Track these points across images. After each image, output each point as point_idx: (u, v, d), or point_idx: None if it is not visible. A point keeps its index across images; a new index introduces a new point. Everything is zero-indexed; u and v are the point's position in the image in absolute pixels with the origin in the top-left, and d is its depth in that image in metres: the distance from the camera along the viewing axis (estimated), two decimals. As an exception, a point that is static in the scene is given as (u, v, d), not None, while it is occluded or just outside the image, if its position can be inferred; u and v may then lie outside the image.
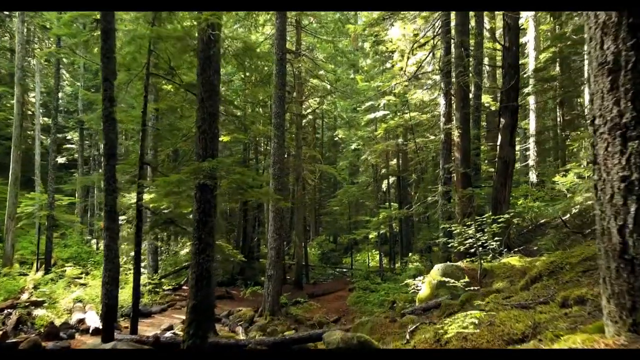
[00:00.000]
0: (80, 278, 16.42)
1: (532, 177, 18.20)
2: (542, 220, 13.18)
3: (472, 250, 8.22)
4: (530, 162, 18.50)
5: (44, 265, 17.12)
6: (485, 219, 7.72)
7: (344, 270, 24.71)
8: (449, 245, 9.55)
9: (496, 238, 7.93)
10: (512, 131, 10.79)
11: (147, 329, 11.56)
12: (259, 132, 17.85)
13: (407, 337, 3.77)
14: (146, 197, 8.31)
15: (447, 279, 4.28)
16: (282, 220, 14.73)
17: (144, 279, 16.36)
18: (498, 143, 11.08)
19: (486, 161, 17.69)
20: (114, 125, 7.49)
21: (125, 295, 13.53)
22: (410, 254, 21.60)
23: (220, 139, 11.06)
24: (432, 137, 19.28)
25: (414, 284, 9.41)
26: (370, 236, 22.36)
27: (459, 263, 8.39)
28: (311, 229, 33.89)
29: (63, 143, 31.53)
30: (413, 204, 16.91)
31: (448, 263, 8.53)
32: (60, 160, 29.53)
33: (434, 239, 14.75)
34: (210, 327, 10.38)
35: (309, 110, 23.76)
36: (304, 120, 23.71)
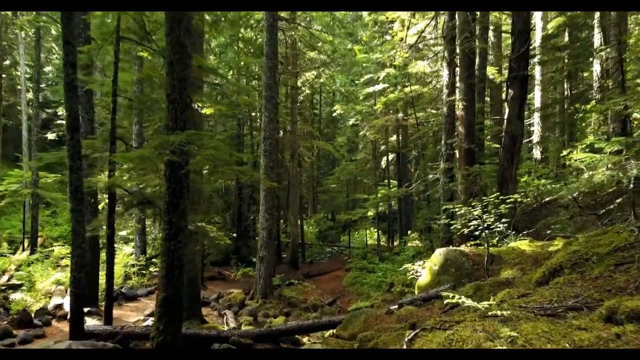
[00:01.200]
0: (67, 258, 15.77)
1: (536, 153, 17.37)
2: (548, 199, 12.45)
3: (477, 233, 7.51)
4: (535, 137, 17.61)
5: (30, 245, 16.52)
6: (492, 199, 6.97)
7: (342, 248, 24.20)
8: (451, 227, 8.85)
9: (503, 220, 7.21)
10: (522, 103, 9.84)
11: (131, 314, 10.99)
12: (248, 104, 16.84)
13: (405, 347, 3.09)
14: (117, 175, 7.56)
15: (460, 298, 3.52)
16: (274, 199, 14.01)
17: (131, 259, 15.76)
18: (505, 116, 10.18)
19: (489, 137, 16.83)
20: (77, 94, 6.66)
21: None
22: (409, 233, 21.00)
23: (203, 111, 10.24)
24: (434, 111, 18.38)
25: (413, 269, 8.77)
26: (369, 214, 21.70)
27: (462, 247, 7.69)
28: (309, 207, 33.35)
29: (53, 119, 30.59)
30: (413, 182, 16.16)
31: (450, 247, 7.84)
32: (51, 136, 28.65)
33: (435, 219, 14.06)
34: (196, 315, 9.79)
35: (305, 84, 22.76)
36: (301, 95, 22.74)
